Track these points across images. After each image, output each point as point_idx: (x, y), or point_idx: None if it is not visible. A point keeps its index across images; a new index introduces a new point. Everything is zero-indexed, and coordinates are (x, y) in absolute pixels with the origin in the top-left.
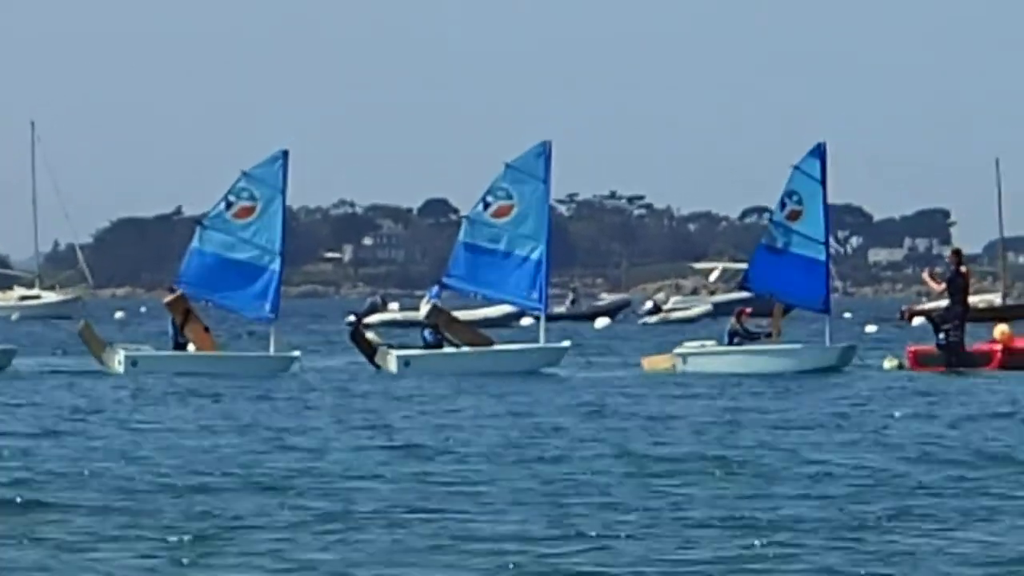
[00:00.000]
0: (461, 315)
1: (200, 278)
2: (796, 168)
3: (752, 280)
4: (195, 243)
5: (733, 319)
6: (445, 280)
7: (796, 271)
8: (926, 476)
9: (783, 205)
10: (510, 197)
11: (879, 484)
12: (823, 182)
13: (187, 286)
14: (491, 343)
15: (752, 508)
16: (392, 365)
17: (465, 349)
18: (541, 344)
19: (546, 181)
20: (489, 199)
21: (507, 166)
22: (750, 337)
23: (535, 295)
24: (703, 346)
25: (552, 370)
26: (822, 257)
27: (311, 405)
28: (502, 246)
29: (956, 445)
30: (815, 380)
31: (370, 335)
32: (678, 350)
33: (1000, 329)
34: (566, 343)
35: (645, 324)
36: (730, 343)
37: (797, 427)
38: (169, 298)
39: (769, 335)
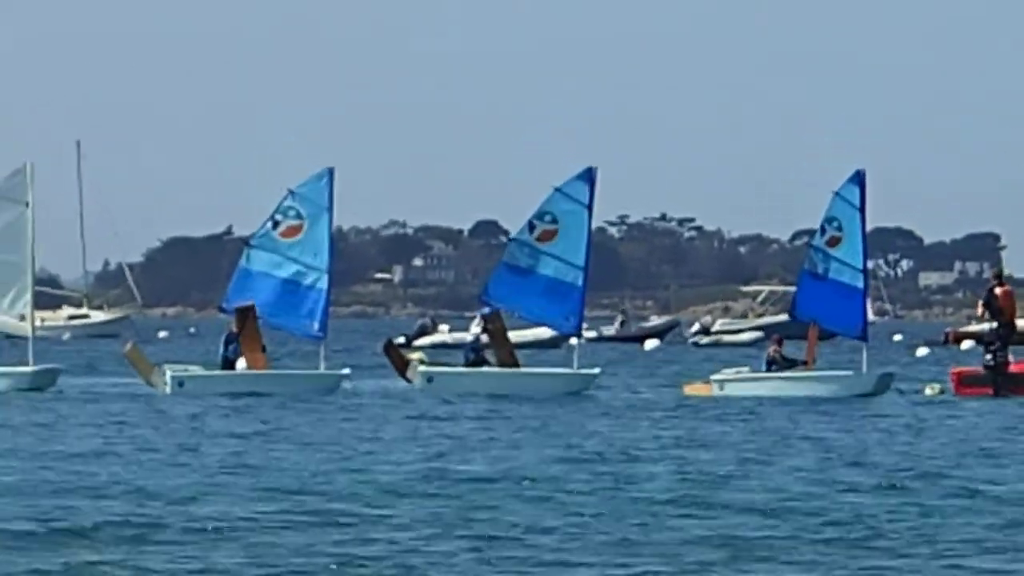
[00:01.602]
0: (513, 335)
1: (248, 296)
2: (836, 194)
3: (798, 306)
4: (243, 262)
5: (770, 347)
6: (484, 298)
7: (836, 297)
8: None
9: (823, 231)
10: (555, 221)
11: None
12: (862, 209)
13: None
14: (519, 366)
15: None
16: (417, 380)
17: (492, 370)
18: (571, 370)
19: (589, 207)
20: (535, 222)
21: (556, 190)
22: (788, 364)
23: (572, 320)
24: (738, 373)
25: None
26: (860, 284)
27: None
28: (543, 270)
29: None
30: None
31: (416, 355)
32: (715, 377)
33: None
34: (596, 370)
35: (696, 344)
36: (768, 370)
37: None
38: (242, 305)
39: (805, 363)
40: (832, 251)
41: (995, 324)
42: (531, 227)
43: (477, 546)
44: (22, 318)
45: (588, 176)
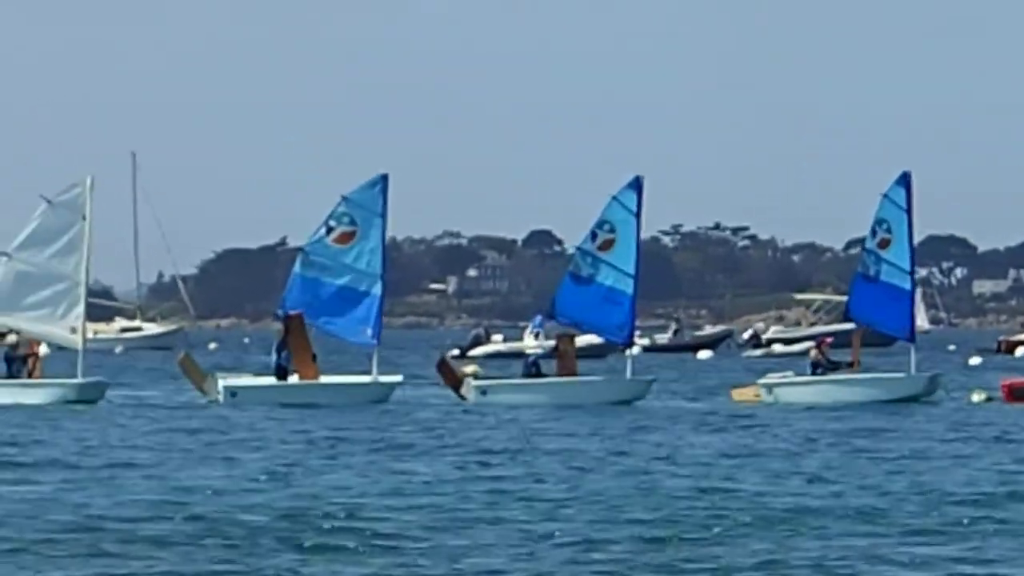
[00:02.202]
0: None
1: (302, 303)
2: (885, 196)
3: (853, 309)
4: (297, 268)
5: (814, 350)
6: (552, 315)
7: (887, 299)
8: None
9: (874, 233)
10: (613, 231)
11: None
12: (909, 211)
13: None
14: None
15: None
16: (471, 395)
17: (545, 380)
18: (626, 377)
19: (638, 215)
20: (597, 231)
21: (613, 198)
22: (833, 367)
23: (625, 330)
24: (784, 377)
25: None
26: (908, 286)
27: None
28: (603, 279)
29: None
30: None
31: (470, 367)
32: (763, 381)
33: None
34: (650, 377)
35: (749, 357)
36: (812, 373)
37: None
38: (293, 313)
39: (851, 365)
40: (883, 253)
41: None
42: (593, 236)
43: None
44: (73, 330)
45: (636, 185)
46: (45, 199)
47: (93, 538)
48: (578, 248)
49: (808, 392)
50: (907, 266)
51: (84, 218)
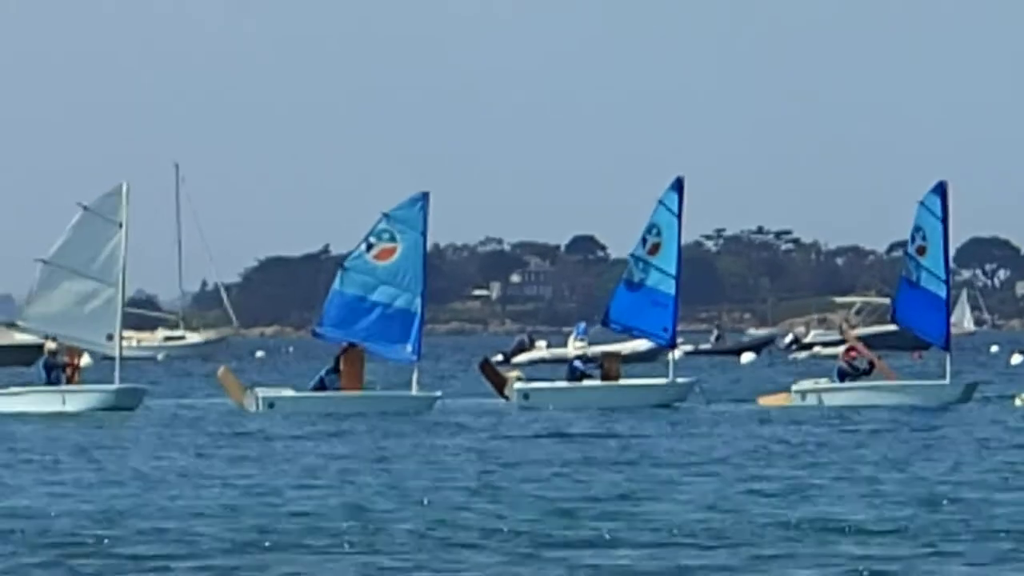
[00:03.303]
0: (612, 348)
1: (341, 319)
2: (921, 204)
3: (898, 312)
4: (336, 285)
5: (841, 359)
6: (606, 320)
7: (926, 305)
8: None
9: (912, 239)
10: (659, 234)
11: None
12: (944, 220)
13: (329, 328)
14: (619, 358)
15: None
16: (514, 397)
17: (588, 384)
18: (667, 380)
19: (679, 216)
20: (647, 236)
21: (659, 202)
22: (860, 374)
23: (668, 332)
24: (817, 384)
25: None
26: (943, 294)
27: None
28: (651, 282)
29: None
30: None
31: (513, 373)
32: (796, 387)
33: None
34: (692, 379)
35: (795, 360)
36: (840, 381)
37: None
38: (355, 347)
39: (871, 368)
40: (921, 259)
41: None
42: (644, 242)
43: None
44: (110, 337)
45: (678, 185)
46: (82, 206)
47: None
48: (631, 255)
49: (843, 398)
50: (942, 274)
51: (120, 225)
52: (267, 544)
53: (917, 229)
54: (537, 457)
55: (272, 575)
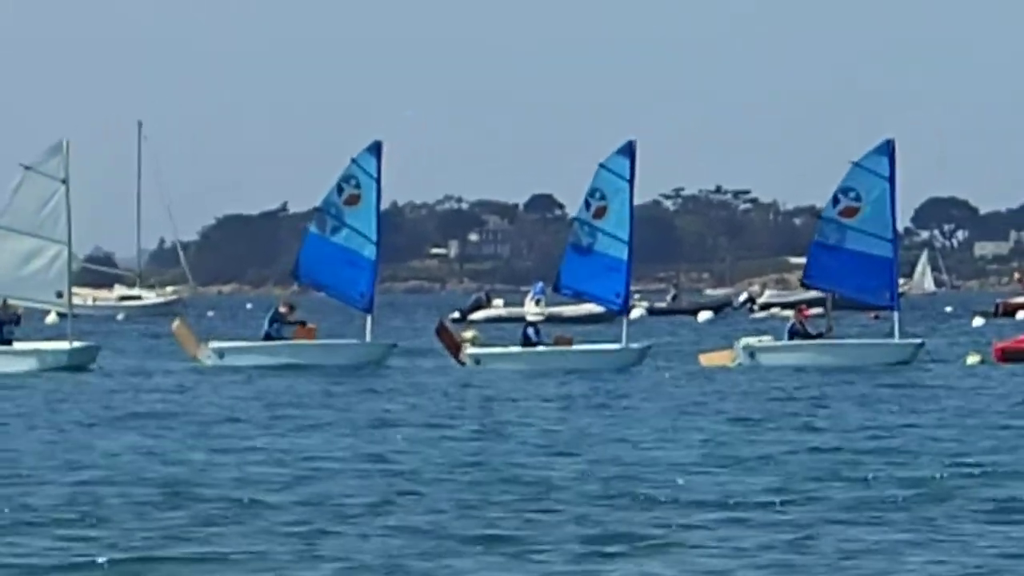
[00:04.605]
0: (568, 308)
1: (314, 262)
2: (855, 165)
3: (811, 276)
4: (312, 227)
5: (793, 317)
6: (558, 288)
7: (856, 266)
8: None
9: (836, 201)
10: (604, 198)
11: None
12: (892, 179)
13: (305, 278)
14: (571, 343)
15: None
16: (468, 362)
17: (540, 348)
18: (622, 345)
19: (631, 181)
20: (590, 200)
21: (600, 166)
22: (810, 336)
23: (620, 297)
24: (761, 341)
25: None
26: (889, 254)
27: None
28: (600, 247)
29: None
30: None
31: (469, 332)
32: (741, 343)
33: None
34: (647, 344)
35: (753, 319)
36: (790, 339)
37: None
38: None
39: (824, 333)
40: (848, 221)
41: None
42: (587, 205)
43: None
44: (59, 295)
45: (628, 150)
46: (23, 166)
47: None
48: (576, 218)
49: (789, 357)
50: (888, 234)
51: (63, 182)
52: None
53: (846, 191)
54: None
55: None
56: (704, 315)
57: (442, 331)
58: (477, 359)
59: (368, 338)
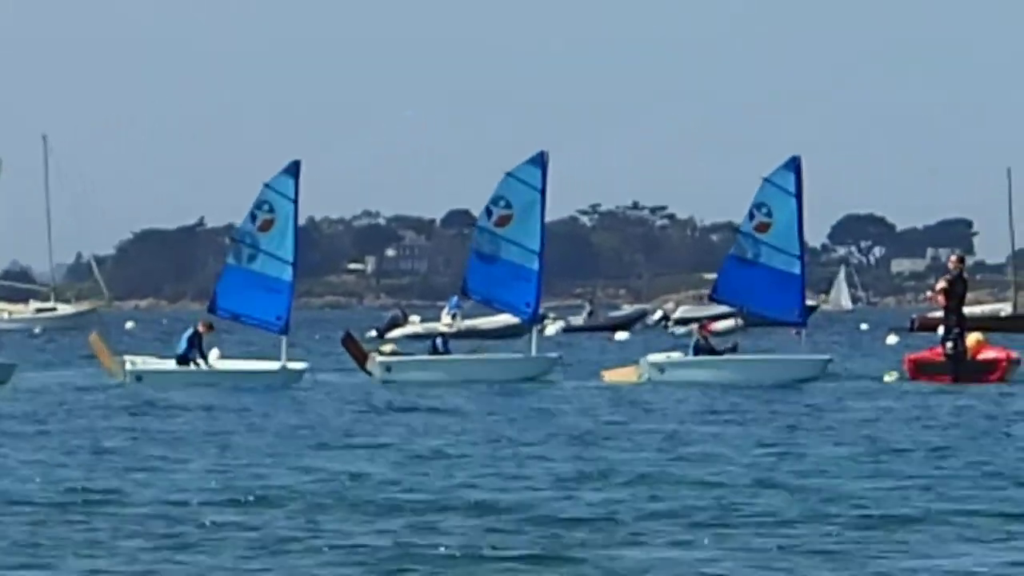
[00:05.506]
0: (483, 321)
1: (232, 296)
2: (766, 180)
3: (720, 292)
4: (229, 259)
5: (696, 334)
6: (465, 292)
7: (768, 283)
8: None
9: (751, 216)
10: (509, 206)
11: None
12: (799, 195)
13: (222, 311)
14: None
15: None
16: (376, 371)
17: (450, 357)
18: (531, 355)
19: (542, 191)
20: (491, 208)
21: (507, 175)
22: (715, 352)
23: (530, 308)
24: (669, 358)
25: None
26: (796, 270)
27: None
28: (504, 255)
29: None
30: None
31: (387, 347)
32: (648, 360)
33: (973, 337)
34: (556, 354)
35: (674, 335)
36: (695, 355)
37: None
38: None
39: (729, 350)
40: (762, 236)
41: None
42: (488, 213)
43: None
44: None
45: (540, 160)
46: None
47: None
48: (478, 226)
49: (696, 374)
50: (796, 250)
51: None
52: None
53: (759, 206)
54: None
55: None
56: (621, 334)
57: (348, 341)
58: (388, 367)
59: (283, 360)
